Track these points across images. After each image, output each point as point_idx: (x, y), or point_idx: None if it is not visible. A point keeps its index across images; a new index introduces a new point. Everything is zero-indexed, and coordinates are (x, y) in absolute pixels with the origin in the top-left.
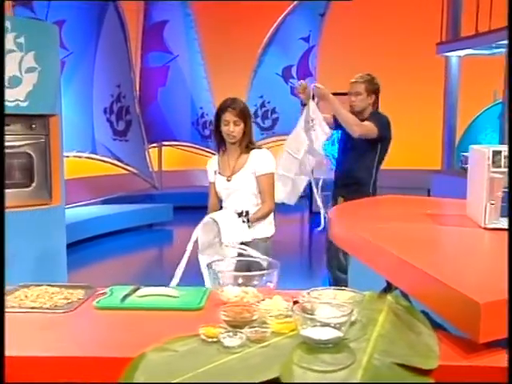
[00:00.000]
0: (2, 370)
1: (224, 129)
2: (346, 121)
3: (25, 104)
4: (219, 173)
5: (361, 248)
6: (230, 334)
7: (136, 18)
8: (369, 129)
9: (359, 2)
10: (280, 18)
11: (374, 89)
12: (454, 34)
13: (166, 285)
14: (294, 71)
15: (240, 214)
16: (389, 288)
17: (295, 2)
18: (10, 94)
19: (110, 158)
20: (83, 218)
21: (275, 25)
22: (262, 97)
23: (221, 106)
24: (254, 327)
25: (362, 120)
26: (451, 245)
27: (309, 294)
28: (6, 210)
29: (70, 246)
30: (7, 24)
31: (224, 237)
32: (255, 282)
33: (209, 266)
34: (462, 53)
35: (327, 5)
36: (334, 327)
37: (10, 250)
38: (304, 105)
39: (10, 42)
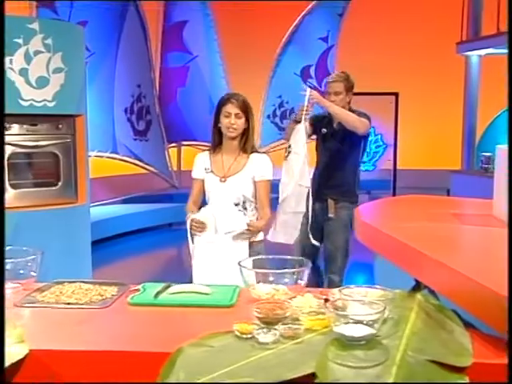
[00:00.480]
0: (2, 370)
1: (224, 121)
2: (349, 119)
3: (52, 104)
4: (211, 171)
5: (389, 247)
6: (264, 330)
7: (156, 19)
8: (367, 124)
9: (378, 2)
10: (298, 18)
11: (350, 87)
12: (475, 32)
13: (185, 283)
14: (312, 71)
15: (237, 204)
16: (418, 287)
17: (314, 2)
18: (37, 95)
19: (131, 158)
20: (104, 217)
21: (294, 25)
22: (280, 97)
23: (221, 99)
24: (287, 324)
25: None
26: (480, 244)
27: (340, 291)
28: (34, 209)
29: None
30: (36, 26)
31: (219, 227)
32: (286, 280)
33: (240, 263)
34: (482, 52)
35: (346, 4)
36: (367, 324)
37: (40, 248)
38: (298, 122)
39: (38, 43)
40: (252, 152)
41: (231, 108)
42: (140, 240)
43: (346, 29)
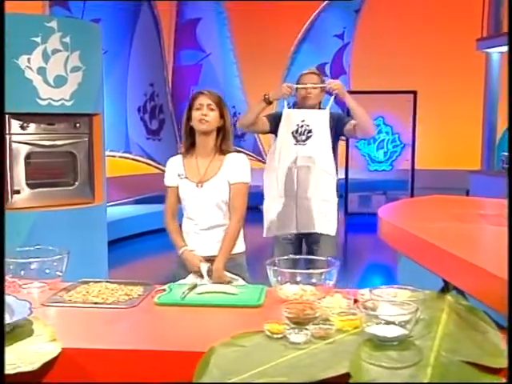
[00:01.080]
0: (2, 370)
1: (195, 115)
2: (366, 119)
3: (70, 103)
4: (186, 177)
5: (416, 248)
6: (296, 330)
7: (169, 16)
8: (375, 128)
9: None
10: (314, 15)
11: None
12: (496, 29)
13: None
14: (327, 69)
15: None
16: (446, 288)
17: None
18: (55, 94)
19: (144, 158)
20: (119, 217)
21: (309, 22)
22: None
23: (193, 95)
24: (317, 324)
25: None
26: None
27: (371, 292)
28: (51, 209)
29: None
30: (54, 24)
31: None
32: (314, 280)
33: (269, 263)
34: (503, 49)
35: (362, 1)
36: (399, 325)
37: (63, 247)
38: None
39: (56, 41)
40: (228, 152)
41: (203, 99)
42: (156, 240)
43: (362, 25)
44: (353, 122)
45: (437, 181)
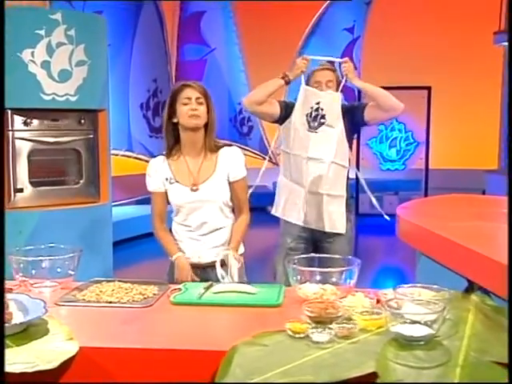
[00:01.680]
0: (2, 370)
1: (183, 110)
2: (387, 96)
3: (74, 99)
4: (176, 181)
5: (438, 247)
6: (319, 329)
7: (172, 9)
8: (401, 105)
9: None
10: (322, 8)
11: (339, 81)
12: None
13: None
14: (336, 64)
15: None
16: (471, 288)
17: None
18: (59, 89)
19: (147, 156)
20: (120, 217)
21: (317, 14)
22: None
23: (175, 88)
24: (340, 323)
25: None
26: None
27: (395, 291)
28: (55, 208)
29: None
30: (58, 17)
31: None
32: (333, 279)
33: (288, 262)
34: None
35: None
36: (425, 324)
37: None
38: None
39: (60, 34)
40: (219, 147)
41: (191, 92)
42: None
43: (373, 18)
44: (372, 103)
45: (451, 181)
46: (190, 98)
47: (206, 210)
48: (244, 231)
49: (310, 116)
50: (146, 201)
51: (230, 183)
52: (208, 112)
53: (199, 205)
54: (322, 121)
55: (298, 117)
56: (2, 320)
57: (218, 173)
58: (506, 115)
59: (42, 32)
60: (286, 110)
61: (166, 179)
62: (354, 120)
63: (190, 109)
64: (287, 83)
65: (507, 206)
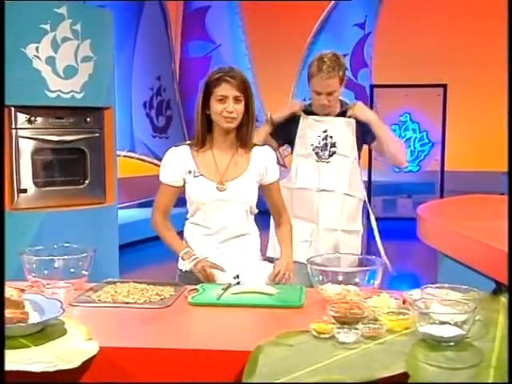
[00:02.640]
0: (2, 370)
1: (218, 108)
2: (397, 148)
3: (80, 96)
4: (202, 175)
5: (464, 248)
6: (345, 330)
7: (175, 4)
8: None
9: None
10: (332, 2)
11: (344, 74)
12: None
13: None
14: (347, 61)
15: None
16: (499, 289)
17: None
18: (65, 85)
19: (149, 157)
20: (125, 220)
21: (327, 9)
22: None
23: (211, 78)
24: (366, 324)
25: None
26: None
27: (422, 291)
28: (59, 209)
29: None
30: (63, 10)
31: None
32: (356, 280)
33: (310, 262)
34: None
35: None
36: (455, 325)
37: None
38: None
39: (66, 29)
40: (253, 145)
41: (227, 89)
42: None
43: (385, 13)
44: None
45: (468, 183)
46: (226, 97)
47: (230, 211)
48: (291, 239)
49: (318, 146)
50: (150, 204)
51: (261, 186)
52: (247, 106)
53: (223, 205)
54: (333, 149)
55: (303, 149)
56: (2, 320)
57: (250, 172)
58: (507, 115)
59: (47, 26)
60: (284, 131)
61: (190, 172)
62: (361, 139)
63: (225, 110)
64: (274, 125)
65: (507, 206)
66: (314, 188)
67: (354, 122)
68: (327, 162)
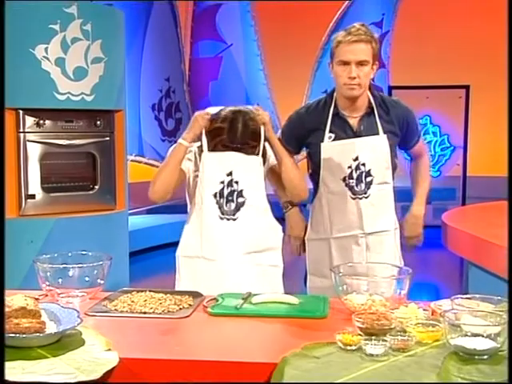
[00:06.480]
0: (2, 370)
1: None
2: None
3: (90, 98)
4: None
5: (494, 257)
6: (373, 341)
7: (186, 2)
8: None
9: None
10: (348, 1)
11: (377, 47)
12: None
13: None
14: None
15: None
16: None
17: None
18: (75, 87)
19: (158, 162)
20: (133, 227)
21: (343, 8)
22: (326, 91)
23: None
24: (394, 335)
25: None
26: None
27: (452, 301)
28: (68, 215)
29: None
30: (73, 10)
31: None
32: (382, 290)
33: (334, 270)
34: None
35: None
36: (488, 337)
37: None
38: None
39: (76, 29)
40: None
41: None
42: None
43: (404, 11)
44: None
45: (491, 189)
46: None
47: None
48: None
49: (350, 177)
50: (159, 210)
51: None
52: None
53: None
54: (370, 179)
55: (330, 185)
56: (2, 321)
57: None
58: (507, 119)
59: (57, 27)
60: (299, 143)
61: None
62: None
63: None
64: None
65: (507, 207)
66: (357, 234)
67: (384, 137)
68: (366, 197)
